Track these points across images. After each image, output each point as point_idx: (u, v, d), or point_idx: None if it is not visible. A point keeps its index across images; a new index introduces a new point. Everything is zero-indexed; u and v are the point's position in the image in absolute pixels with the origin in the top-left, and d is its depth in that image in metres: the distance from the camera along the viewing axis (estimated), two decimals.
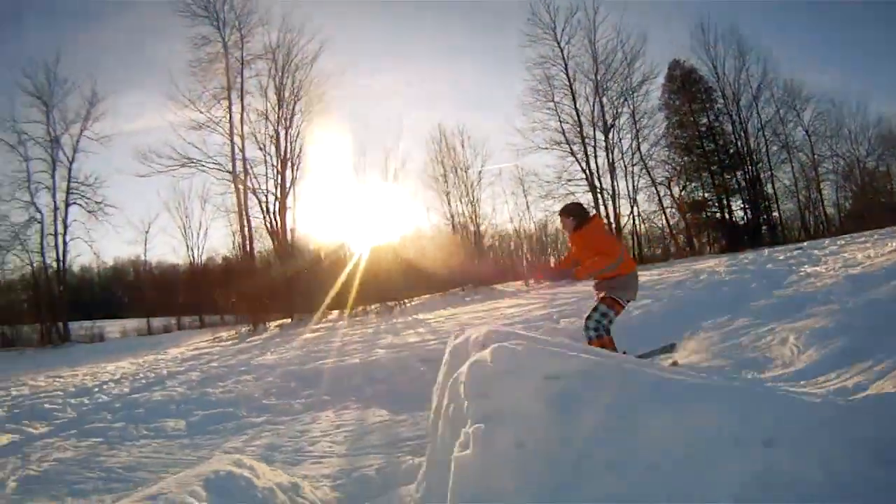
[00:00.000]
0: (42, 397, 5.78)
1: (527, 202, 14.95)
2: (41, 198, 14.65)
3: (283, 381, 4.58)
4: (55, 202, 14.60)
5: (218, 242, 25.66)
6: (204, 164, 13.13)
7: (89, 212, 14.86)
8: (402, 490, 1.75)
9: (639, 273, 2.67)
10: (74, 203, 14.77)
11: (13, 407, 5.71)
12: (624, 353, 2.35)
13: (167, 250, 29.16)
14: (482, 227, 14.92)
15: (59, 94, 14.50)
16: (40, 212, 14.54)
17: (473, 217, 14.73)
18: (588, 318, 2.54)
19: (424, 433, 2.15)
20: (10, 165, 14.44)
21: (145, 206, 28.41)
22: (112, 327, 16.18)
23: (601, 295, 2.52)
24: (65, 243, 14.82)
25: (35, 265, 14.84)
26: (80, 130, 14.69)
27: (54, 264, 14.80)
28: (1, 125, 14.09)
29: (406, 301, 10.26)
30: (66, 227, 14.74)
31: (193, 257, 17.19)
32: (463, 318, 6.11)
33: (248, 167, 13.23)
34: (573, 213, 2.61)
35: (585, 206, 3.15)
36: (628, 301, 2.54)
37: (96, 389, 5.87)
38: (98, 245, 18.96)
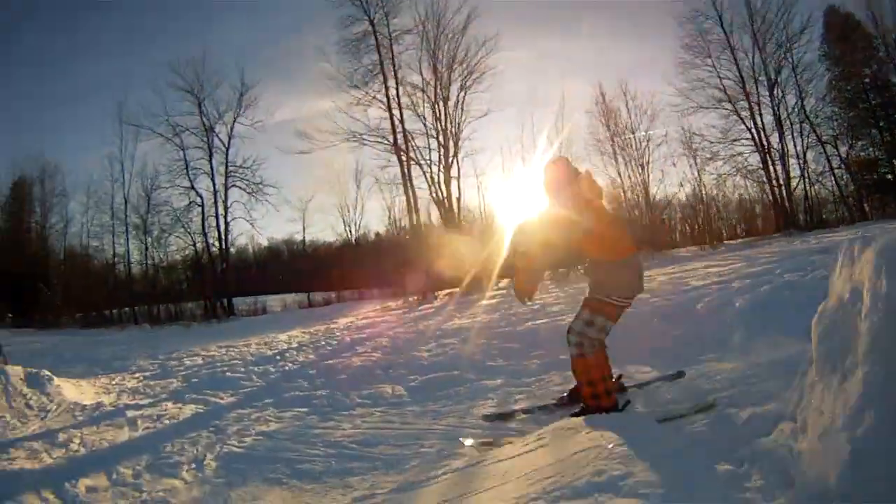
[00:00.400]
0: (219, 366, 8.56)
1: (696, 165, 21.32)
2: (200, 182, 24.23)
3: (500, 343, 6.29)
4: (214, 186, 23.98)
5: (373, 219, 38.29)
6: (366, 137, 20.94)
7: (248, 193, 23.91)
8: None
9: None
10: (234, 185, 24.03)
11: (189, 376, 8.18)
12: (620, 377, 3.55)
13: (324, 227, 41.98)
14: (652, 192, 21.06)
15: (209, 87, 23.93)
16: (200, 196, 24.09)
17: (642, 182, 20.90)
18: (569, 328, 3.24)
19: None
20: (168, 155, 24.42)
21: (302, 187, 41.89)
22: (273, 302, 24.84)
23: (585, 296, 3.27)
24: (226, 223, 24.20)
25: (198, 245, 24.71)
26: (233, 119, 24.03)
27: (217, 244, 24.22)
28: (155, 120, 23.99)
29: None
30: (226, 208, 24.04)
31: (350, 233, 26.03)
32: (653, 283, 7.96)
33: (409, 138, 20.58)
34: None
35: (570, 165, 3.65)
36: (624, 299, 3.15)
37: (278, 357, 8.56)
38: (260, 224, 30.11)
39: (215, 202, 24.42)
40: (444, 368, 5.87)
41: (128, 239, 27.14)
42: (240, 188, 24.48)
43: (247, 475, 3.91)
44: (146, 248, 26.76)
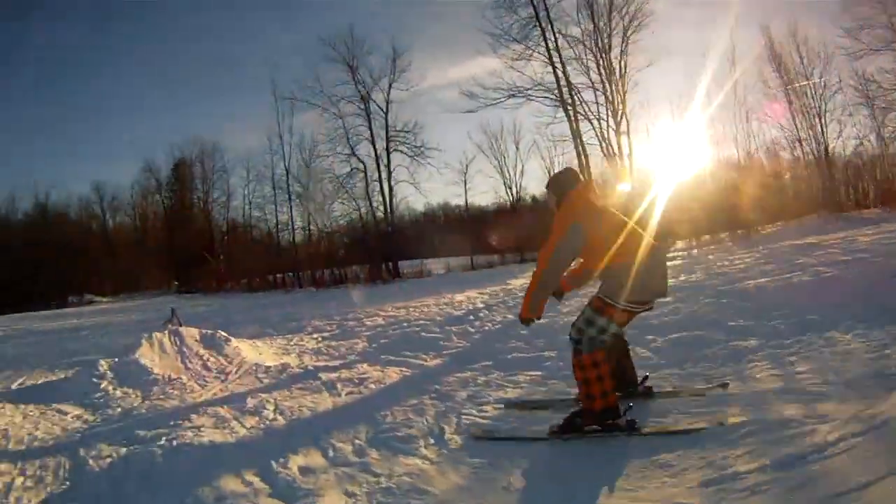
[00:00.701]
0: (407, 327, 10.89)
1: (873, 116, 24.21)
2: (362, 149, 34.02)
3: (736, 301, 7.96)
4: (376, 151, 33.55)
5: (531, 181, 44.62)
6: (531, 93, 28.04)
7: (410, 157, 33.36)
8: None
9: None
10: (396, 150, 33.58)
11: (375, 337, 10.48)
12: (645, 379, 4.96)
13: (486, 190, 58.92)
14: (830, 146, 24.48)
15: (361, 55, 33.66)
16: (362, 162, 33.89)
17: (818, 135, 24.95)
18: (573, 324, 4.36)
19: None
20: (328, 124, 34.72)
21: (461, 151, 54.85)
22: (434, 265, 33.62)
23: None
24: (390, 188, 33.57)
25: (362, 210, 34.35)
26: (388, 84, 33.66)
27: (381, 208, 33.62)
28: (310, 92, 34.17)
29: (759, 228, 18.42)
30: (389, 172, 33.43)
31: (511, 195, 35.91)
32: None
33: (575, 91, 27.27)
34: (553, 187, 4.66)
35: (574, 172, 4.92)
36: (632, 304, 4.15)
37: (471, 317, 10.69)
38: (424, 187, 39.57)
39: (377, 167, 33.52)
40: (685, 328, 7.08)
41: (291, 207, 37.03)
42: (402, 152, 33.58)
43: (513, 455, 4.17)
44: (308, 215, 36.12)
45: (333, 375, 7.79)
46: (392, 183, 33.87)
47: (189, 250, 40.64)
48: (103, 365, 9.79)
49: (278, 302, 24.02)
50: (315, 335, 11.78)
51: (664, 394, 4.89)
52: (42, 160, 72.31)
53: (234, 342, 11.49)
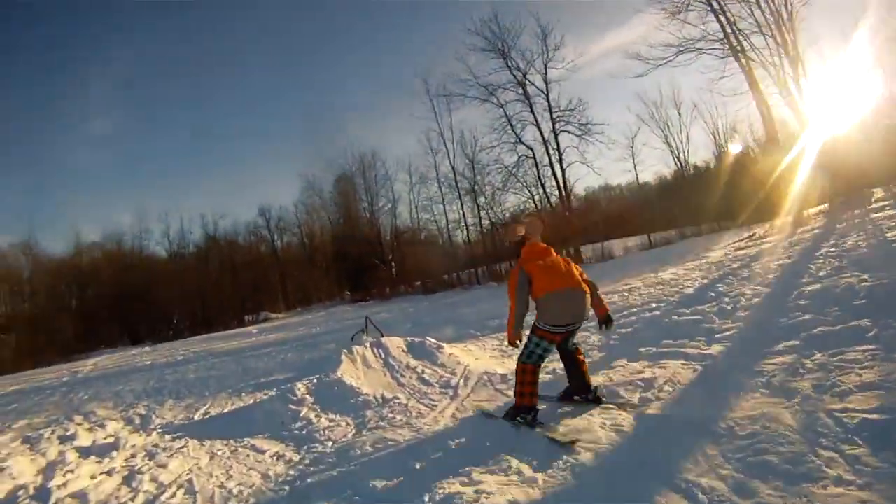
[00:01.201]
0: (642, 313, 10.15)
1: None
2: (528, 134, 33.30)
3: None
4: (542, 135, 32.49)
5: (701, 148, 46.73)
6: (702, 45, 25.58)
7: (578, 136, 31.97)
8: None
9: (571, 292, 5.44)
10: (563, 131, 32.29)
11: (639, 332, 9.00)
12: (596, 390, 5.92)
13: (654, 163, 59.15)
14: None
15: (511, 39, 32.79)
16: (530, 148, 32.98)
17: None
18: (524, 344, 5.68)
19: None
20: (489, 114, 36.73)
21: (624, 124, 53.80)
22: (615, 246, 32.40)
23: None
24: (563, 170, 32.36)
25: (536, 198, 33.20)
26: (543, 65, 32.62)
27: (555, 192, 32.64)
28: (464, 85, 34.34)
29: None
30: (560, 155, 32.27)
31: (681, 165, 34.77)
32: None
33: (744, 38, 24.77)
34: (510, 236, 6.45)
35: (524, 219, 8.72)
36: (554, 325, 5.48)
37: (711, 294, 9.89)
38: (596, 165, 39.45)
39: (547, 151, 32.57)
40: None
41: (462, 204, 36.82)
42: (568, 132, 32.43)
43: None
44: (478, 210, 35.48)
45: (600, 380, 6.56)
46: (564, 165, 32.75)
47: (358, 259, 42.10)
48: (300, 388, 8.46)
49: (463, 300, 23.40)
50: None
51: (607, 405, 5.67)
52: (210, 196, 77.06)
53: (447, 348, 9.94)
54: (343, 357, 9.46)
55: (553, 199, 33.43)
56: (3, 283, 44.12)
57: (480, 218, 36.42)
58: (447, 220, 39.00)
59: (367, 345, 10.03)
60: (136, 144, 72.81)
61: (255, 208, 71.76)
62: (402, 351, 9.89)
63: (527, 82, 33.11)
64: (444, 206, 38.67)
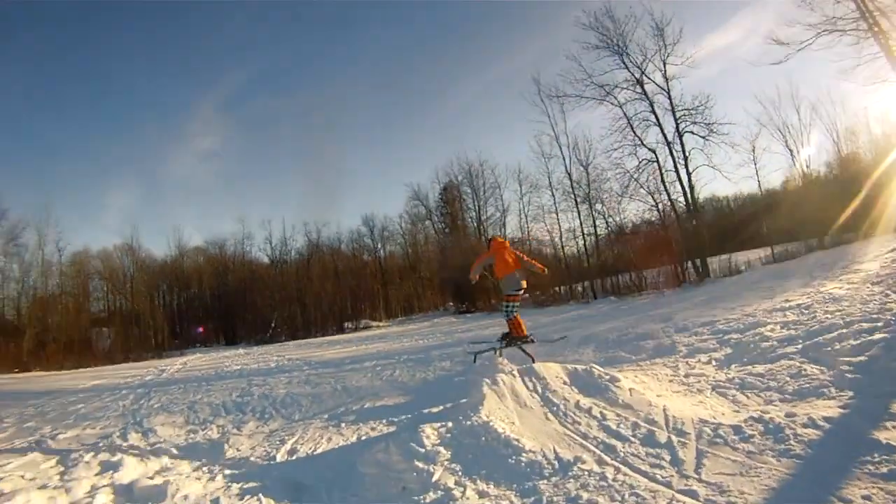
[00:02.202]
0: (840, 331, 7.90)
1: None
2: (648, 136, 29.62)
3: None
4: (665, 137, 28.87)
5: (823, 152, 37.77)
6: (843, 24, 22.16)
7: (702, 137, 28.15)
8: None
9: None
10: (686, 131, 28.56)
11: (811, 349, 7.58)
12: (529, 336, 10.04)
13: (776, 168, 50.97)
14: None
15: (626, 36, 29.74)
16: (652, 150, 29.20)
17: None
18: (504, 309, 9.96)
19: None
20: (608, 115, 31.86)
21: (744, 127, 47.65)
22: (740, 259, 28.09)
23: None
24: (689, 175, 28.53)
25: (660, 205, 29.74)
26: (662, 61, 29.19)
27: (681, 199, 28.94)
28: (578, 87, 31.41)
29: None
30: (685, 157, 28.41)
31: (802, 170, 30.38)
32: None
33: (882, 17, 21.82)
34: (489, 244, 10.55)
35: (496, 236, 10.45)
36: (513, 291, 9.65)
37: None
38: (724, 168, 33.88)
39: (671, 153, 28.99)
40: None
41: (579, 212, 33.81)
42: (692, 133, 28.75)
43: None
44: (593, 220, 33.53)
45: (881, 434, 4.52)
46: (689, 169, 28.91)
47: (463, 270, 36.95)
48: (429, 434, 5.96)
49: (587, 316, 20.21)
50: (700, 356, 8.91)
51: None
52: (313, 205, 77.92)
53: (622, 379, 7.25)
54: (485, 389, 6.84)
55: (679, 207, 29.71)
56: (107, 280, 44.98)
57: (596, 227, 33.58)
58: (560, 230, 35.89)
59: (516, 372, 7.39)
60: (241, 157, 75.04)
61: (359, 218, 70.47)
62: (563, 383, 7.17)
63: (645, 80, 29.87)
64: (556, 214, 35.79)
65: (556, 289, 33.88)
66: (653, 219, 30.73)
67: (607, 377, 7.12)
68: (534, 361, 8.33)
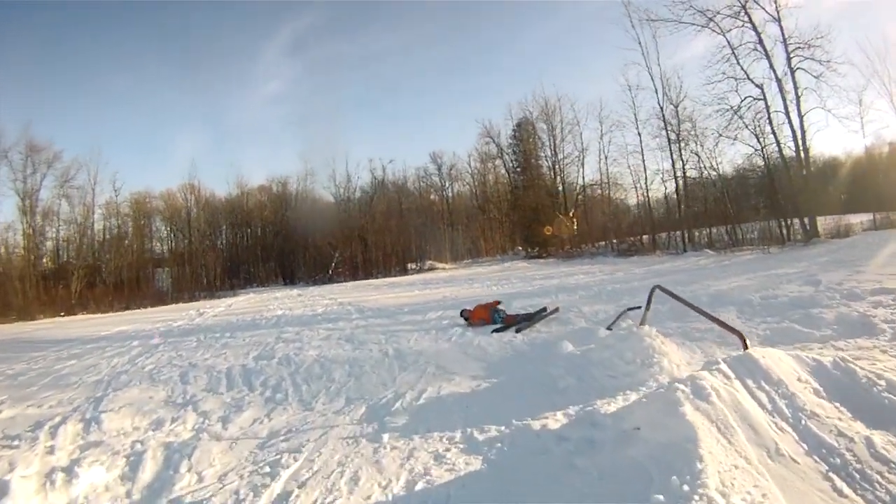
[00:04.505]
0: None
1: None
2: (755, 70, 25.10)
3: None
4: (774, 72, 24.49)
5: None
6: None
7: (815, 77, 23.66)
8: None
9: None
10: (798, 68, 24.01)
11: None
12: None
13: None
14: None
15: None
16: (759, 86, 24.78)
17: None
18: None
19: None
20: (710, 45, 29.65)
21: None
22: (852, 221, 24.46)
23: None
24: (800, 117, 23.89)
25: (767, 149, 25.49)
26: None
27: (790, 145, 24.58)
28: (676, 10, 26.52)
29: None
30: (797, 97, 23.93)
31: None
32: None
33: None
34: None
35: None
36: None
37: None
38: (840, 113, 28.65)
39: (781, 91, 24.43)
40: None
41: (671, 153, 29.33)
42: (804, 70, 24.07)
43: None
44: (683, 164, 29.06)
45: None
46: (801, 111, 24.08)
47: (535, 212, 36.53)
48: None
49: (685, 269, 16.91)
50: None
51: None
52: (377, 139, 73.81)
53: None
54: (687, 411, 3.28)
55: (787, 154, 25.08)
56: (167, 220, 43.30)
57: (686, 172, 29.09)
58: (645, 173, 31.71)
59: (721, 370, 3.79)
60: (308, 100, 70.95)
61: (427, 155, 66.28)
62: (814, 392, 3.75)
63: (753, 6, 25.02)
64: (642, 154, 31.48)
65: (640, 238, 30.58)
66: (755, 166, 26.68)
67: (882, 382, 3.70)
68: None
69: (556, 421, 4.17)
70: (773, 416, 3.35)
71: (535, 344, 7.37)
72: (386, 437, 4.27)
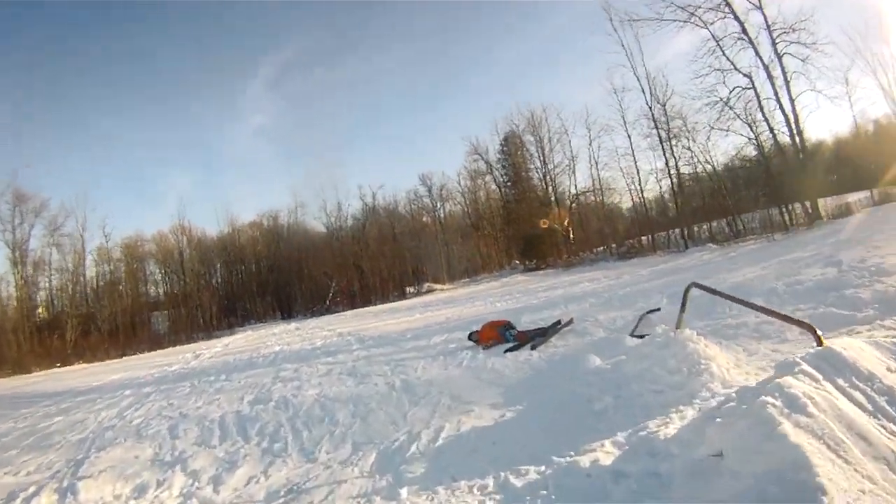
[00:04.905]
0: None
1: None
2: (742, 60, 24.67)
3: None
4: (761, 59, 24.08)
5: None
6: None
7: (802, 60, 23.28)
8: None
9: None
10: (785, 53, 23.68)
11: None
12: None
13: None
14: None
15: None
16: (746, 76, 24.42)
17: None
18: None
19: None
20: (694, 37, 26.91)
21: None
22: (852, 199, 24.16)
23: None
24: (791, 102, 23.59)
25: (761, 137, 24.99)
26: None
27: (784, 130, 24.12)
28: (654, 8, 26.10)
29: None
30: (786, 81, 23.53)
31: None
32: None
33: None
34: None
35: None
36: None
37: None
38: (830, 93, 26.65)
39: (769, 78, 24.27)
40: None
41: (664, 151, 29.12)
42: (790, 55, 23.99)
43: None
44: (675, 161, 28.64)
45: None
46: (792, 95, 23.82)
47: (529, 224, 36.09)
48: None
49: (693, 266, 15.98)
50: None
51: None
52: (365, 166, 73.35)
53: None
54: (783, 422, 2.57)
55: (781, 140, 24.93)
56: (160, 263, 42.43)
57: (679, 169, 28.85)
58: (638, 173, 31.52)
59: (804, 371, 3.06)
60: (293, 132, 70.01)
61: (416, 177, 65.60)
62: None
63: None
64: (633, 156, 31.28)
65: (639, 239, 30.20)
66: (749, 154, 26.31)
67: None
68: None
69: (605, 453, 3.46)
70: (879, 419, 2.78)
71: (553, 360, 6.75)
72: (404, 492, 3.56)
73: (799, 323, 4.10)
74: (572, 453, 3.56)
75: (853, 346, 3.30)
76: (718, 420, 2.98)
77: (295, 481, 4.22)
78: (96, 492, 4.70)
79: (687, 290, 5.65)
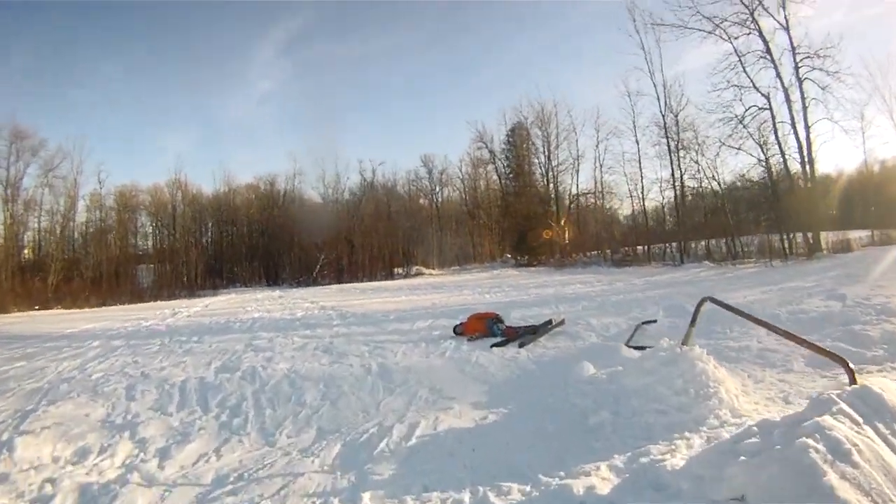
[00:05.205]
0: None
1: None
2: (761, 79, 24.11)
3: None
4: (781, 81, 23.56)
5: None
6: None
7: (822, 88, 22.71)
8: None
9: None
10: (806, 78, 23.13)
11: None
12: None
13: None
14: None
15: None
16: (765, 96, 23.86)
17: None
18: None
19: None
20: (716, 49, 26.97)
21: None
22: (854, 237, 23.34)
23: None
24: (806, 129, 23.03)
25: (771, 160, 24.41)
26: None
27: (796, 156, 23.62)
28: (681, 15, 25.51)
29: None
30: (804, 107, 23.10)
31: None
32: None
33: None
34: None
35: None
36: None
37: None
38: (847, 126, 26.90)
39: (787, 101, 23.62)
40: None
41: (671, 161, 28.70)
42: (812, 81, 23.27)
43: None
44: (682, 173, 28.28)
45: None
46: (808, 122, 23.35)
47: (527, 220, 35.88)
48: None
49: (688, 281, 16.13)
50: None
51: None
52: (367, 141, 72.34)
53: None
54: (827, 472, 2.19)
55: (792, 165, 24.31)
56: (152, 215, 41.82)
57: (683, 182, 28.46)
58: (642, 181, 31.32)
59: (843, 412, 2.63)
60: (299, 100, 69.21)
61: (418, 158, 64.44)
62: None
63: (761, 13, 24.20)
64: (639, 163, 31.04)
65: (635, 248, 30.05)
66: (756, 177, 25.68)
67: None
68: None
69: (602, 479, 3.00)
70: None
71: (543, 362, 6.32)
72: (367, 497, 3.07)
73: (831, 355, 3.65)
74: (562, 474, 3.10)
75: (890, 389, 2.86)
76: (743, 458, 2.52)
77: (248, 466, 3.74)
78: (34, 450, 4.19)
79: (700, 304, 5.10)
